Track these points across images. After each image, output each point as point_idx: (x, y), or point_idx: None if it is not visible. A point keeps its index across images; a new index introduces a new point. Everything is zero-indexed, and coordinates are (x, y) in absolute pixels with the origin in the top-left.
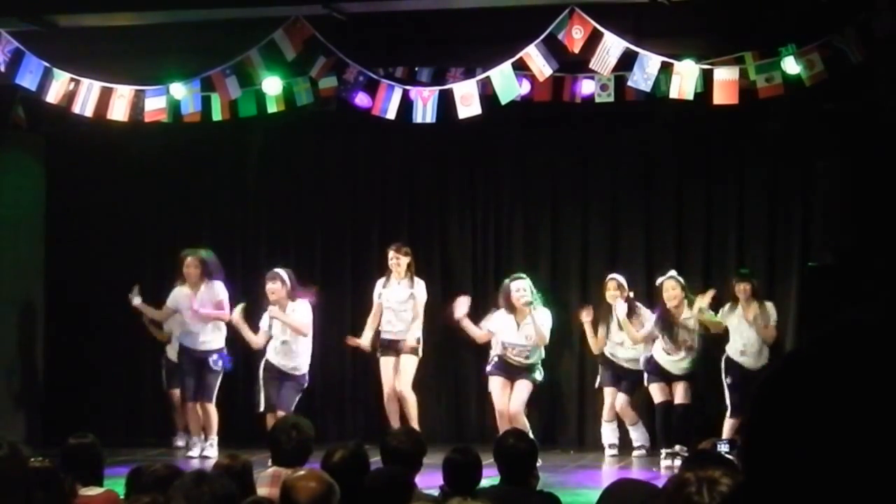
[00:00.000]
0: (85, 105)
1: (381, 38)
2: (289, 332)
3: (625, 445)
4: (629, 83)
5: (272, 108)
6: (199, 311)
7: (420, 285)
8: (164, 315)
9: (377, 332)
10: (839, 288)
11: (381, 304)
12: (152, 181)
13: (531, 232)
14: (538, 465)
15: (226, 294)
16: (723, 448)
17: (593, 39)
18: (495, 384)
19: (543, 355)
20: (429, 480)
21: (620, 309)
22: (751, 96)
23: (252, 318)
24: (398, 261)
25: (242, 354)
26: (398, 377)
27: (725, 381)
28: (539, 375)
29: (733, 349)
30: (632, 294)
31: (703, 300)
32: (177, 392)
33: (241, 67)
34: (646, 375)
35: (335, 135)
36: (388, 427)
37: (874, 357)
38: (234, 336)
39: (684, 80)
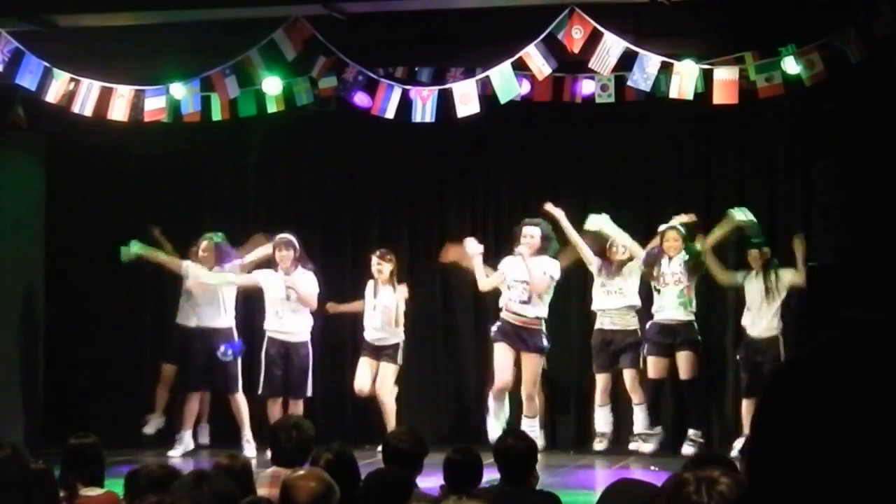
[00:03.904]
0: (85, 105)
1: (381, 38)
2: (291, 301)
3: (622, 434)
4: (629, 83)
5: (272, 108)
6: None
7: (400, 291)
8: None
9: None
10: (839, 288)
11: (367, 304)
12: (152, 181)
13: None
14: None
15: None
16: None
17: (593, 39)
18: (499, 352)
19: (545, 315)
20: (429, 480)
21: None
22: (751, 96)
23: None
24: (381, 267)
25: (250, 349)
26: (378, 383)
27: (738, 356)
28: (545, 343)
29: (746, 320)
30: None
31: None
32: (168, 367)
33: (241, 67)
34: (645, 346)
35: (335, 135)
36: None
37: (881, 359)
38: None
39: (684, 80)
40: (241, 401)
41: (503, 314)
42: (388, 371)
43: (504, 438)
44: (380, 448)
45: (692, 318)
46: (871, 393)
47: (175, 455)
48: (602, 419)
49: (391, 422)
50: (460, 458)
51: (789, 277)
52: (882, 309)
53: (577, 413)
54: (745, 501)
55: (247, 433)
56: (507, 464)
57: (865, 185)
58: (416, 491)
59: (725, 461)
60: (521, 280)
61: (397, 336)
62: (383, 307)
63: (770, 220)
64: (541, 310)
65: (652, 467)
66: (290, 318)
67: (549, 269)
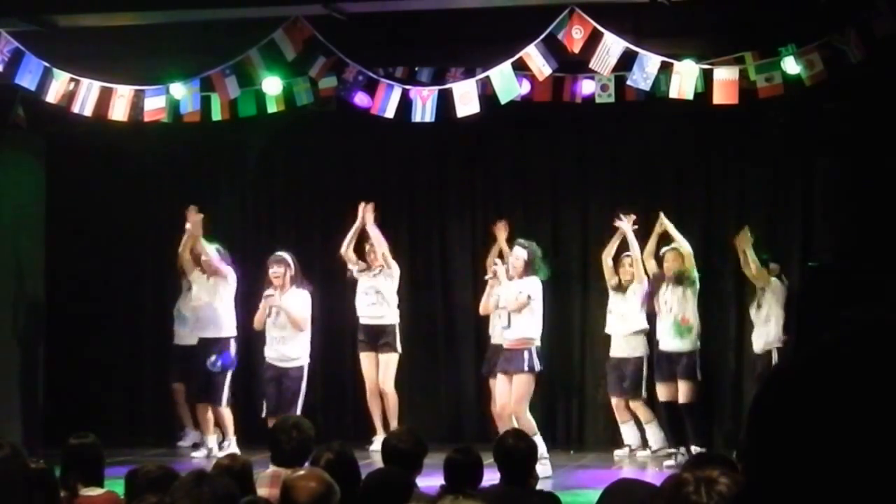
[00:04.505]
0: (85, 105)
1: (381, 38)
2: (279, 323)
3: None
4: (628, 82)
5: (272, 108)
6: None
7: (388, 271)
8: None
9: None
10: (839, 288)
11: (359, 287)
12: (152, 181)
13: (531, 232)
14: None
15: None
16: None
17: (593, 39)
18: (497, 382)
19: (537, 338)
20: (429, 480)
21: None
22: (751, 96)
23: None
24: (374, 254)
25: (244, 352)
26: (380, 376)
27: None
28: (531, 363)
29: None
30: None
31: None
32: (178, 386)
33: (241, 67)
34: (655, 372)
35: (335, 135)
36: (373, 424)
37: (881, 360)
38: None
39: (684, 79)
40: (224, 413)
41: (493, 342)
42: (390, 361)
43: (504, 439)
44: (372, 447)
45: (692, 347)
46: (870, 395)
47: (199, 456)
48: (627, 432)
49: (394, 417)
50: (461, 458)
51: (776, 297)
52: (882, 309)
53: (577, 413)
54: (740, 502)
55: (229, 442)
56: (507, 464)
57: (865, 184)
58: (416, 491)
59: (725, 461)
60: (503, 306)
61: (392, 316)
62: (375, 287)
63: (770, 221)
64: (525, 330)
65: (654, 467)
66: (281, 343)
67: (526, 289)
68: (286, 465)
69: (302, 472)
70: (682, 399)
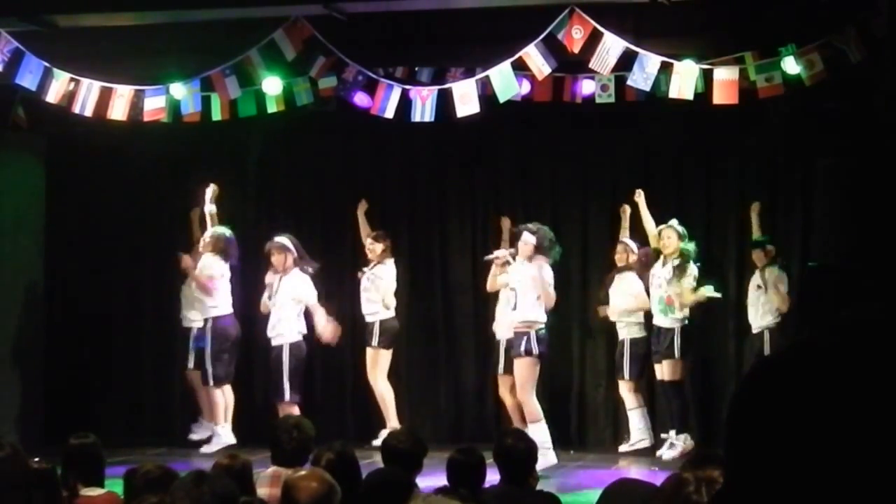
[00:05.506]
0: (85, 105)
1: (381, 38)
2: (284, 302)
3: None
4: (628, 82)
5: (272, 108)
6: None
7: (383, 267)
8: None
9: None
10: (839, 288)
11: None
12: (152, 181)
13: None
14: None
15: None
16: None
17: (593, 39)
18: (503, 382)
19: (541, 322)
20: (430, 480)
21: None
22: (751, 96)
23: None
24: (373, 247)
25: (247, 346)
26: (368, 371)
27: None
28: (537, 347)
29: (760, 324)
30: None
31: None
32: (193, 373)
33: (241, 67)
34: (652, 353)
35: (335, 135)
36: (381, 419)
37: (871, 357)
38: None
39: (684, 79)
40: (213, 393)
41: (497, 337)
42: (372, 356)
43: (504, 439)
44: (375, 441)
45: (675, 324)
46: (855, 392)
47: (208, 451)
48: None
49: (388, 411)
50: (463, 458)
51: (775, 278)
52: (878, 308)
53: (577, 413)
54: (720, 499)
55: (219, 425)
56: (507, 464)
57: (865, 184)
58: (416, 491)
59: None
60: (511, 287)
61: (378, 314)
62: (374, 283)
63: (770, 220)
64: (529, 313)
65: (653, 467)
66: (271, 322)
67: (543, 275)
68: (287, 465)
69: (303, 472)
70: (664, 376)
